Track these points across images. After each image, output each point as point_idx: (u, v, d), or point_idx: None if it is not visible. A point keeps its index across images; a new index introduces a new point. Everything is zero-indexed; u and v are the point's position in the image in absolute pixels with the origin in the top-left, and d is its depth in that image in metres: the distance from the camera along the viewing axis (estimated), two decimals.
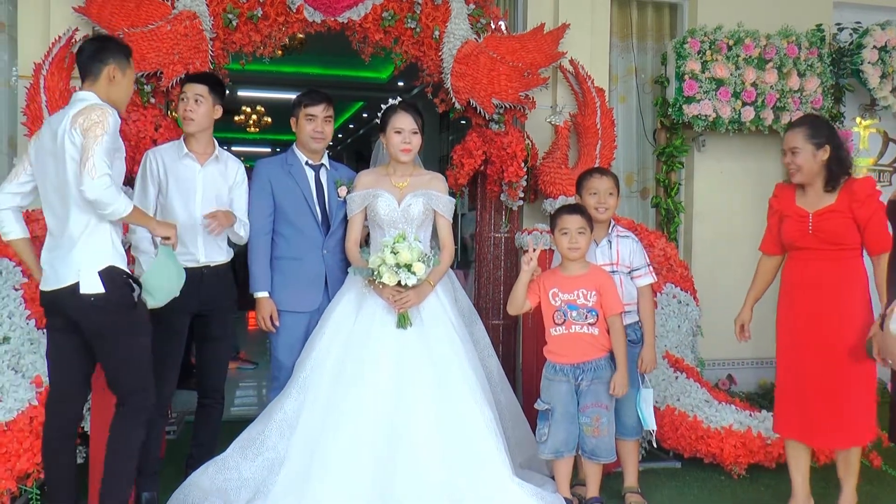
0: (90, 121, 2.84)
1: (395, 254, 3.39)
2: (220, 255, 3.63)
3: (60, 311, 2.95)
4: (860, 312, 3.27)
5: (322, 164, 3.84)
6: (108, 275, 2.91)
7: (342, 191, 3.78)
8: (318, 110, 3.76)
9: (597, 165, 4.57)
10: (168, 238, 3.06)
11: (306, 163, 3.81)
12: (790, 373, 3.41)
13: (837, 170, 3.32)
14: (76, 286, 2.88)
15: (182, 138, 3.63)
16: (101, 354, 2.98)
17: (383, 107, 3.73)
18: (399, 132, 3.61)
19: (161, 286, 3.08)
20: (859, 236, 3.27)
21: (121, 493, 3.02)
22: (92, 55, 3.04)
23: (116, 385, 3.03)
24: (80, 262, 2.89)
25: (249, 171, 3.85)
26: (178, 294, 3.17)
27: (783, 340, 3.45)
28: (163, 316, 3.34)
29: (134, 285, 3.01)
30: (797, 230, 3.38)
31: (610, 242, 3.63)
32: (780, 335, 3.47)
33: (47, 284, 2.98)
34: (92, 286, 2.87)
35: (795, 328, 3.38)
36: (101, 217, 2.90)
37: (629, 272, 3.62)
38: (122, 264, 2.97)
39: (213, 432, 3.74)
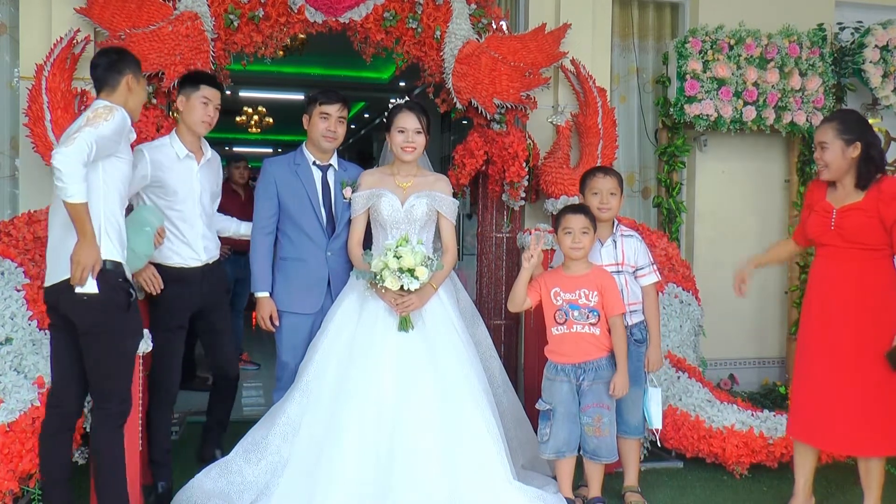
0: (94, 112, 2.91)
1: (398, 258, 3.37)
2: (216, 251, 3.76)
3: (58, 309, 2.98)
4: (884, 317, 3.16)
5: (330, 165, 3.83)
6: (103, 275, 2.91)
7: (347, 192, 3.76)
8: (334, 109, 3.75)
9: (599, 165, 4.57)
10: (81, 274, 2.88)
11: (314, 163, 3.80)
12: (807, 374, 3.33)
13: (868, 168, 3.21)
14: (68, 282, 2.88)
15: (173, 135, 3.63)
16: (85, 352, 2.99)
17: (391, 105, 3.72)
18: (402, 131, 3.60)
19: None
20: (886, 237, 3.16)
21: (115, 488, 3.05)
22: (109, 67, 3.11)
23: (94, 386, 3.04)
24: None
25: (258, 171, 3.91)
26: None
27: (802, 340, 3.38)
28: (167, 311, 3.54)
29: (131, 290, 3.03)
30: (820, 225, 3.31)
31: (615, 242, 3.62)
32: (800, 335, 3.41)
33: (48, 280, 3.01)
34: (86, 286, 2.87)
35: (815, 329, 3.31)
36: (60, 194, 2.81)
37: (634, 272, 3.62)
38: (117, 257, 2.97)
39: (228, 408, 4.01)
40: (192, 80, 3.67)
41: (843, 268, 3.24)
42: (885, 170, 3.28)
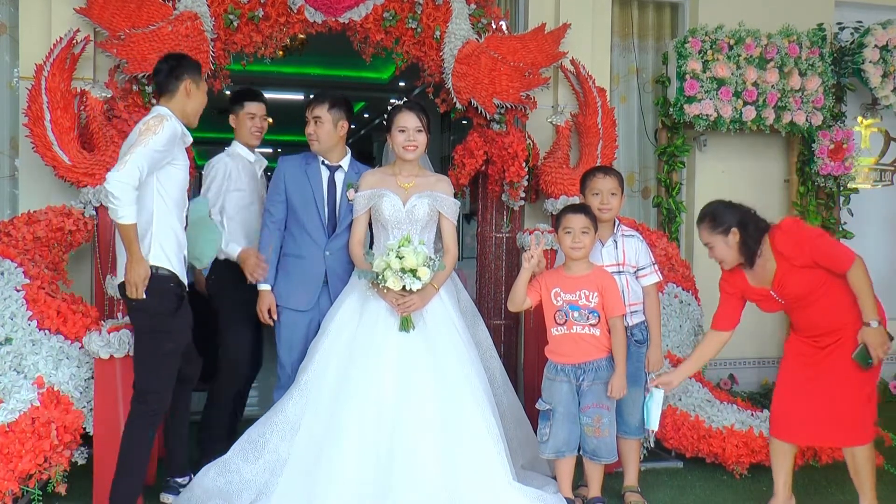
0: (145, 125, 3.06)
1: (400, 258, 3.37)
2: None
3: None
4: (851, 323, 3.23)
5: (339, 166, 3.83)
6: (153, 282, 3.07)
7: (351, 193, 3.76)
8: (308, 112, 3.77)
9: (599, 165, 4.56)
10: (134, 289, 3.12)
11: (323, 162, 3.81)
12: (785, 376, 3.43)
13: (749, 245, 3.27)
14: (125, 286, 3.07)
15: (238, 146, 4.03)
16: (134, 349, 3.24)
17: (391, 105, 3.71)
18: (403, 131, 3.60)
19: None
20: (822, 271, 3.21)
21: (129, 488, 3.14)
22: (169, 73, 3.27)
23: (136, 381, 3.21)
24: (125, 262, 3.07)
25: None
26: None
27: (786, 348, 3.47)
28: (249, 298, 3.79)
29: (183, 293, 3.20)
30: (772, 306, 3.40)
31: (616, 242, 3.62)
32: (786, 343, 3.49)
33: (118, 278, 3.21)
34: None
35: (795, 342, 3.41)
36: (114, 213, 2.97)
37: (635, 272, 3.62)
38: (167, 265, 3.12)
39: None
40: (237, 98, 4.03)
41: (808, 313, 3.30)
42: (764, 230, 3.30)
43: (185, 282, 3.27)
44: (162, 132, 3.02)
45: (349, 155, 3.86)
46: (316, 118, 3.74)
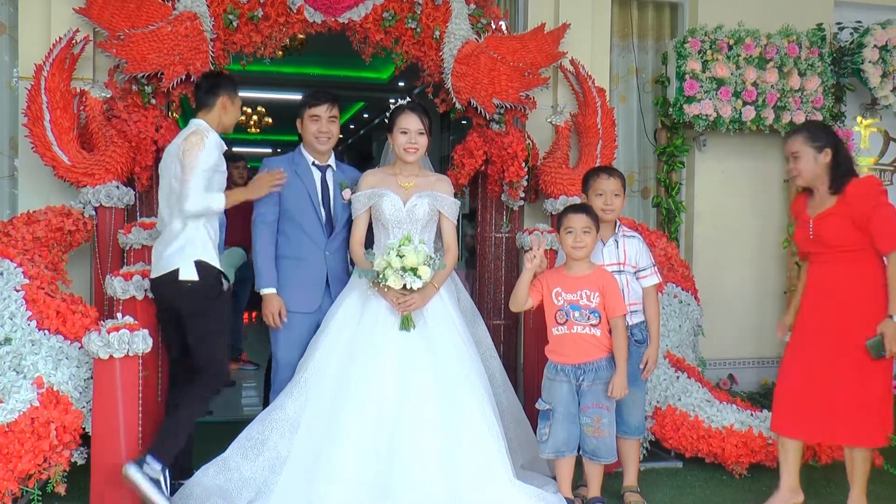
0: (189, 143, 3.37)
1: (400, 257, 3.38)
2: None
3: (163, 297, 3.50)
4: (869, 313, 3.25)
5: (329, 166, 3.84)
6: (202, 266, 3.41)
7: (346, 193, 3.77)
8: (322, 110, 3.76)
9: (600, 165, 4.56)
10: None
11: (313, 163, 3.81)
12: (794, 371, 3.42)
13: (840, 172, 3.36)
14: (176, 273, 3.38)
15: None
16: (187, 331, 3.47)
17: (391, 106, 3.71)
18: (405, 132, 3.61)
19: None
20: (862, 237, 3.27)
21: (170, 443, 3.36)
22: (208, 90, 3.59)
23: (195, 359, 3.49)
24: (180, 253, 3.39)
25: (256, 171, 3.96)
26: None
27: (793, 340, 3.49)
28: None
29: (224, 280, 3.53)
30: (802, 236, 3.47)
31: (617, 242, 3.63)
32: (792, 335, 3.52)
33: (154, 272, 3.51)
34: (188, 274, 3.39)
35: (806, 329, 3.42)
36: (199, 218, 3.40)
37: (635, 272, 3.62)
38: (213, 260, 3.45)
39: None
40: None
41: (829, 272, 3.36)
42: (855, 171, 3.45)
43: (224, 272, 3.56)
44: (205, 148, 3.34)
45: (333, 155, 3.90)
46: (333, 117, 3.80)
